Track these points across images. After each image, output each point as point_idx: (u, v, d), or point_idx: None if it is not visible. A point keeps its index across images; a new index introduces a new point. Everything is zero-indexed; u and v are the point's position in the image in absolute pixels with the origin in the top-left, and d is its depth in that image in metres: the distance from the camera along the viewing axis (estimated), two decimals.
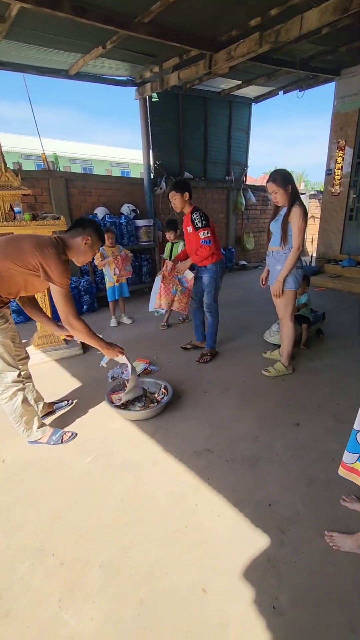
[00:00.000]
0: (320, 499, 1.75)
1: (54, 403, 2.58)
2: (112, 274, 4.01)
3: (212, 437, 2.22)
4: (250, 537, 1.56)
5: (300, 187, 13.21)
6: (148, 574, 1.41)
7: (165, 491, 1.81)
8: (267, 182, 2.57)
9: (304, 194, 9.69)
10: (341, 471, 1.43)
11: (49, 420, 2.42)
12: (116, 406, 2.44)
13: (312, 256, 7.20)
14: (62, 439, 2.21)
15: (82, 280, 4.77)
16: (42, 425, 2.21)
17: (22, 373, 2.17)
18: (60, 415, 2.48)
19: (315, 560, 1.45)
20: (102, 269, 4.23)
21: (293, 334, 2.90)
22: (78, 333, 2.05)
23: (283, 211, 2.64)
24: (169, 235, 4.11)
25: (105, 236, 3.38)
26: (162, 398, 2.54)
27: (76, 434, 2.27)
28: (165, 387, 2.64)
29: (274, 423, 2.36)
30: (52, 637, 1.21)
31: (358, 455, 1.35)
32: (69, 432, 2.27)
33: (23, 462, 2.03)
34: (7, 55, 4.37)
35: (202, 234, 2.95)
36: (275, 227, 2.73)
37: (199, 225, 2.95)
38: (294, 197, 2.56)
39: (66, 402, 2.61)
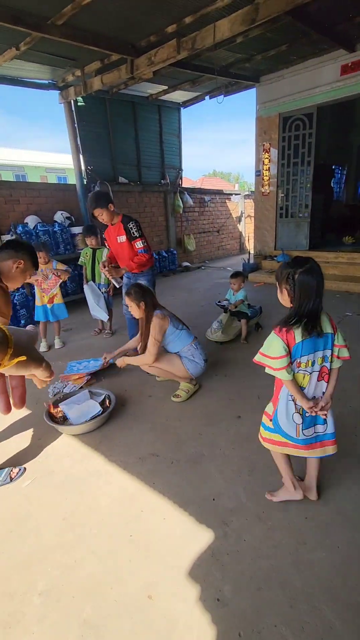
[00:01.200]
0: (261, 485, 1.82)
1: None
2: (41, 293, 3.60)
3: (156, 441, 2.22)
4: (194, 534, 1.58)
5: (235, 188, 13.76)
6: (92, 592, 1.36)
7: (111, 502, 1.77)
8: (125, 294, 2.68)
9: (239, 194, 10.12)
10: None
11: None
12: (55, 422, 2.34)
13: (249, 253, 7.53)
14: (11, 476, 1.98)
15: (17, 294, 4.51)
16: None
17: None
18: None
19: (255, 546, 1.51)
20: None
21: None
22: None
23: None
24: (91, 241, 3.98)
25: (38, 254, 2.87)
26: (109, 405, 2.48)
27: (25, 468, 2.06)
28: (108, 397, 2.59)
29: (217, 418, 2.42)
30: None
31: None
32: (15, 468, 2.05)
33: None
34: None
35: (139, 244, 3.00)
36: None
37: (136, 235, 2.98)
38: (151, 310, 2.57)
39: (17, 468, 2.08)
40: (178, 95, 6.69)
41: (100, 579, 1.41)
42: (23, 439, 2.32)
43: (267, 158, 6.54)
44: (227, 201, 9.65)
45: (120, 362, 2.70)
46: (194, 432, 2.28)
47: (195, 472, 1.95)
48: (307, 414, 1.52)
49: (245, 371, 3.05)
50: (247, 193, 10.43)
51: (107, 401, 2.56)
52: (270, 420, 1.61)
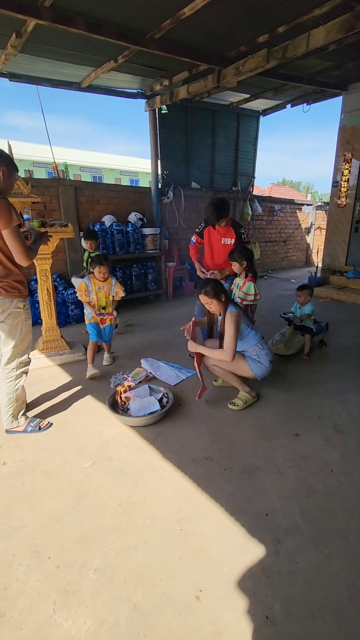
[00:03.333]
0: (319, 510, 1.74)
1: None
2: (93, 312, 3.15)
3: (211, 445, 2.23)
4: (246, 545, 1.56)
5: (307, 198, 13.28)
6: (143, 580, 1.42)
7: (163, 497, 1.82)
8: (199, 294, 2.50)
9: (311, 204, 9.74)
10: None
11: (52, 419, 2.48)
12: (116, 412, 2.47)
13: (317, 267, 7.21)
14: (40, 426, 2.37)
15: (69, 291, 4.71)
16: (24, 414, 2.38)
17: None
18: (61, 420, 2.51)
19: (311, 572, 1.45)
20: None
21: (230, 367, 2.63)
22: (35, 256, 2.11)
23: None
24: (90, 245, 3.89)
25: (97, 268, 3.01)
26: (167, 403, 2.55)
27: (51, 423, 2.43)
28: (166, 395, 2.66)
29: (274, 433, 2.36)
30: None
31: None
32: (44, 420, 2.42)
33: (23, 465, 2.06)
34: (22, 68, 4.52)
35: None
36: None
37: (247, 239, 3.21)
38: (227, 305, 2.49)
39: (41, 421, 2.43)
40: (258, 104, 6.66)
41: (151, 569, 1.46)
42: (85, 421, 2.48)
43: (347, 169, 6.22)
44: (297, 211, 9.35)
45: (192, 346, 2.57)
46: (249, 443, 2.25)
47: (248, 483, 1.92)
48: None
49: (306, 389, 2.93)
50: (319, 204, 10.01)
51: (165, 399, 2.63)
52: None
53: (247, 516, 1.71)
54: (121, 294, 3.20)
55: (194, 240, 3.35)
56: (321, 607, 1.32)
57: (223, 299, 2.49)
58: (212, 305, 2.50)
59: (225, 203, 3.04)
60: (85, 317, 3.25)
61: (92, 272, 3.11)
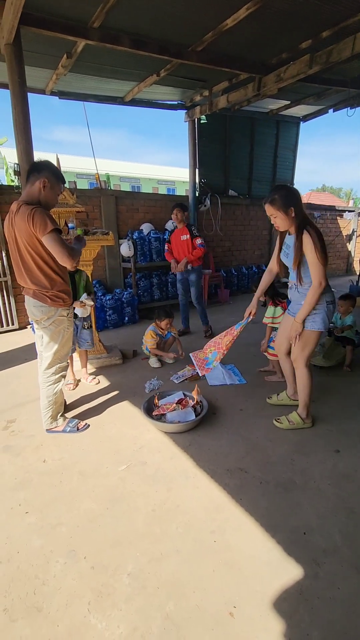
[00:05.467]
0: None
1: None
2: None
3: (246, 456, 2.18)
4: (282, 564, 1.50)
5: (349, 205, 12.78)
6: (176, 589, 1.40)
7: (197, 506, 1.80)
8: (264, 203, 2.13)
9: (353, 211, 9.37)
10: None
11: (89, 421, 2.55)
12: (151, 417, 2.49)
13: (359, 275, 6.89)
14: (78, 427, 2.45)
15: (125, 293, 4.95)
16: (62, 415, 2.47)
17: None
18: (98, 423, 2.57)
19: (352, 599, 1.36)
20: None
21: (310, 381, 2.37)
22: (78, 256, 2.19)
23: (291, 240, 2.17)
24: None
25: (166, 321, 3.48)
26: (201, 411, 2.54)
27: (89, 425, 2.51)
28: (200, 402, 2.64)
29: (312, 448, 2.26)
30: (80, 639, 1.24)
31: None
32: (82, 422, 2.49)
33: (62, 464, 2.13)
34: (70, 86, 4.79)
35: (199, 240, 4.08)
36: (287, 260, 2.24)
37: (196, 234, 4.10)
38: (303, 222, 2.07)
39: (79, 422, 2.51)
40: (299, 110, 6.55)
41: (183, 579, 1.44)
42: (121, 425, 2.52)
43: None
44: (338, 218, 9.03)
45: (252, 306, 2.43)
46: (285, 457, 2.18)
47: (284, 498, 1.85)
48: None
49: (347, 403, 2.79)
50: None
51: (199, 407, 2.62)
52: None
53: (283, 533, 1.64)
54: (176, 334, 3.71)
55: (167, 247, 4.26)
56: None
57: (292, 214, 2.04)
58: (276, 219, 2.07)
59: (180, 202, 4.32)
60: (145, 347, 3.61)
61: (157, 319, 3.54)
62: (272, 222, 2.18)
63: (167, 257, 4.28)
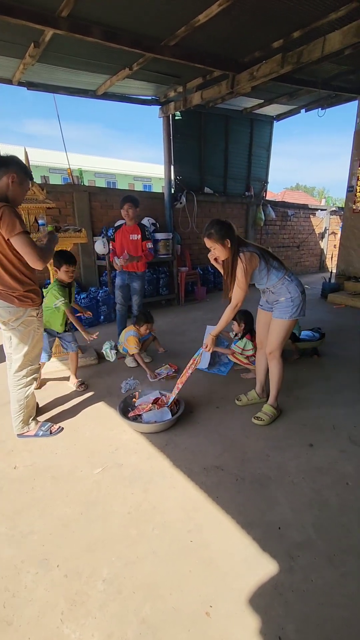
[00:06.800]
0: (333, 525, 1.68)
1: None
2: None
3: (223, 454, 2.19)
4: (257, 560, 1.51)
5: (321, 203, 13.13)
6: (152, 592, 1.38)
7: (174, 506, 1.79)
8: (203, 237, 2.30)
9: (325, 209, 9.63)
10: None
11: (62, 423, 2.47)
12: (127, 418, 2.45)
13: (331, 273, 7.09)
14: (50, 430, 2.38)
15: (100, 291, 4.86)
16: (34, 419, 2.40)
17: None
18: (72, 425, 2.51)
19: (326, 591, 1.39)
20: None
21: (283, 371, 2.51)
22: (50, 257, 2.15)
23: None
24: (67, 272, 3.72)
25: (146, 326, 3.36)
26: (178, 410, 2.52)
27: (62, 427, 2.44)
28: (177, 401, 2.63)
29: (287, 443, 2.30)
30: None
31: None
32: (55, 425, 2.43)
33: (34, 469, 2.06)
34: (40, 77, 4.62)
35: (150, 244, 3.72)
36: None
37: (148, 236, 3.70)
38: (238, 249, 2.23)
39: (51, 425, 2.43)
40: (272, 109, 6.64)
41: (160, 581, 1.43)
42: (96, 426, 2.47)
43: None
44: (311, 216, 9.25)
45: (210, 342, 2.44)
46: (261, 453, 2.20)
47: (260, 494, 1.87)
48: None
49: (320, 398, 2.86)
50: (333, 209, 9.88)
51: (175, 406, 2.60)
52: None
53: (259, 529, 1.66)
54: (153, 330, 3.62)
55: (111, 247, 3.81)
56: (337, 629, 1.26)
57: (229, 244, 2.20)
58: (215, 250, 2.26)
59: (130, 195, 3.86)
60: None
61: (137, 324, 3.39)
62: (212, 253, 2.35)
63: (110, 259, 3.66)
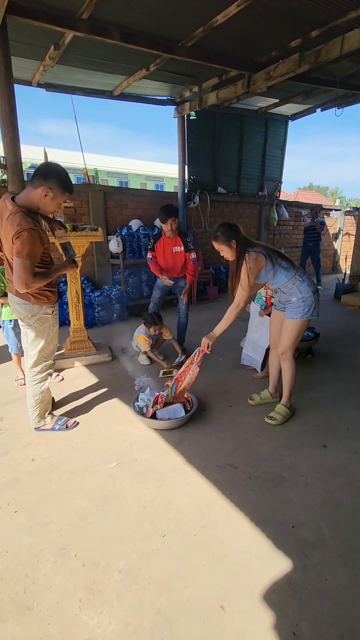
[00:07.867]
0: (347, 525, 1.68)
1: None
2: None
3: (235, 452, 2.21)
4: (271, 557, 1.53)
5: (335, 203, 12.98)
6: (167, 584, 1.41)
7: (187, 502, 1.81)
8: (211, 240, 2.37)
9: (339, 210, 9.52)
10: None
11: (78, 418, 2.54)
12: (141, 414, 2.49)
13: (345, 274, 7.02)
14: (67, 425, 2.43)
15: (114, 290, 4.92)
16: (50, 413, 2.44)
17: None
18: (87, 420, 2.55)
19: (340, 590, 1.40)
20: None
21: (296, 371, 2.52)
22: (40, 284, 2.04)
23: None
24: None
25: (153, 328, 3.32)
26: (191, 408, 2.55)
27: (78, 422, 2.49)
28: (189, 399, 2.65)
29: (300, 443, 2.30)
30: (71, 637, 1.24)
31: None
32: (71, 419, 2.47)
33: (51, 462, 2.11)
34: (58, 78, 4.70)
35: (193, 255, 3.47)
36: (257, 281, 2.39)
37: (191, 247, 3.47)
38: (244, 250, 2.28)
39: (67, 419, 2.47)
40: (287, 108, 6.59)
41: (175, 574, 1.45)
42: (111, 422, 2.51)
43: None
44: (325, 217, 9.15)
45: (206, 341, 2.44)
46: (274, 452, 2.21)
47: (274, 493, 1.88)
48: None
49: (333, 399, 2.85)
50: (347, 209, 9.76)
51: (188, 404, 2.63)
52: None
53: (272, 527, 1.67)
54: (168, 335, 3.56)
55: (150, 257, 3.54)
56: (351, 628, 1.27)
57: (235, 245, 2.28)
58: (223, 252, 2.35)
59: (172, 206, 3.49)
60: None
61: (146, 324, 3.37)
62: (221, 255, 2.41)
63: (152, 268, 3.55)
